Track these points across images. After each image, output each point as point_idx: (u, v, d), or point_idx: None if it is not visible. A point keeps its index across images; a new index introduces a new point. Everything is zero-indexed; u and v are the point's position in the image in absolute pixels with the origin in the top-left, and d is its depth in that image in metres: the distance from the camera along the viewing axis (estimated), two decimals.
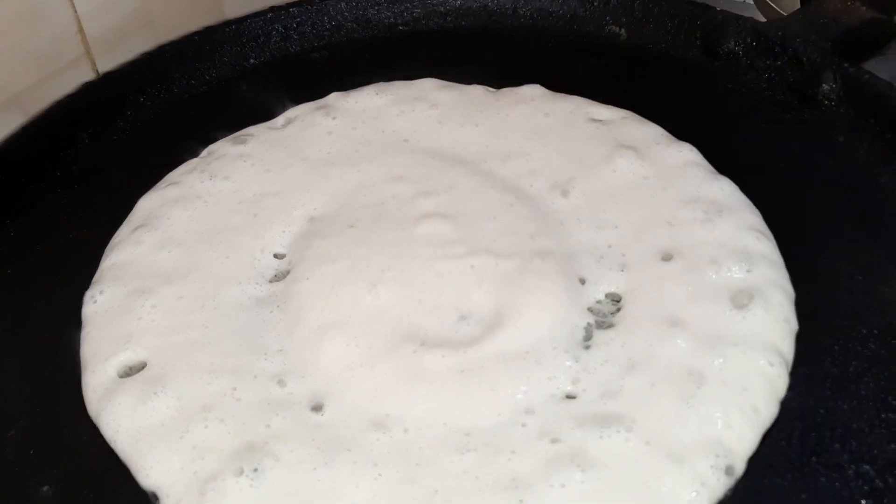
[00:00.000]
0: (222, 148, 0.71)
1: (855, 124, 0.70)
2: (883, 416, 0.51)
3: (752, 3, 0.94)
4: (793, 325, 0.56)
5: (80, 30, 0.80)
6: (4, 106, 0.77)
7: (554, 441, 0.49)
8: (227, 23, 0.83)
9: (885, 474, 0.48)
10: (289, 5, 0.85)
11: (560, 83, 0.76)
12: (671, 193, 0.64)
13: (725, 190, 0.65)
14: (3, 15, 0.75)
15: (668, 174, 0.66)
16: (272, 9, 0.84)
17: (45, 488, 0.51)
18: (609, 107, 0.73)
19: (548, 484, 0.47)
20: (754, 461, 0.49)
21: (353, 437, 0.51)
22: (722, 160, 0.68)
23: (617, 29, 0.84)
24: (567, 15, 0.86)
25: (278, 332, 0.57)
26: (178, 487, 0.49)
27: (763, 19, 0.89)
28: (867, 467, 0.49)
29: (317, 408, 0.53)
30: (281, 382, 0.54)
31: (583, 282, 0.59)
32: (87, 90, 0.76)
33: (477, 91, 0.76)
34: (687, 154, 0.68)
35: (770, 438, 0.51)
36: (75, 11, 0.80)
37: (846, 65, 0.72)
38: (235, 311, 0.59)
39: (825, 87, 0.72)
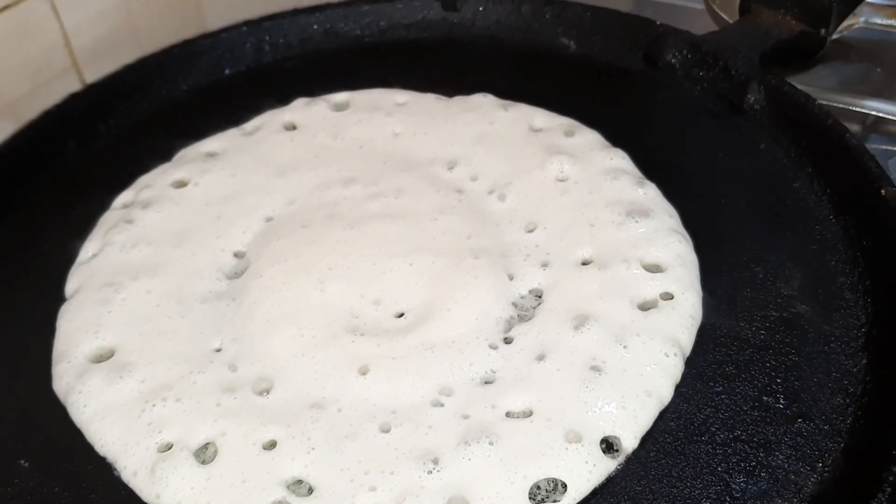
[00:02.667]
0: (193, 153, 0.78)
1: (776, 132, 0.76)
2: (764, 398, 0.57)
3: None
4: (697, 319, 0.62)
5: (68, 43, 0.87)
6: None
7: (466, 418, 0.56)
8: (204, 36, 0.89)
9: (758, 451, 0.54)
10: (262, 19, 0.91)
11: (512, 91, 0.83)
12: (597, 196, 0.70)
13: (649, 194, 0.70)
14: None
15: (597, 179, 0.72)
16: (246, 22, 0.90)
17: (22, 461, 0.58)
18: (552, 114, 0.79)
19: (458, 454, 0.54)
20: (645, 439, 0.55)
21: (293, 415, 0.57)
22: (651, 165, 0.74)
23: (567, 41, 0.90)
24: (522, 27, 0.92)
25: (233, 323, 0.64)
26: (133, 460, 0.56)
27: (714, 27, 0.95)
28: (744, 446, 0.55)
29: (263, 390, 0.59)
30: (232, 367, 0.61)
31: (511, 278, 0.65)
32: (72, 100, 0.83)
33: (430, 99, 0.82)
34: (617, 160, 0.74)
35: (661, 420, 0.56)
36: (62, 26, 0.86)
37: (770, 76, 0.77)
38: (198, 303, 0.65)
39: (751, 97, 0.78)
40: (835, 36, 0.93)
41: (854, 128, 0.84)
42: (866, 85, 0.93)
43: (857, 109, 0.87)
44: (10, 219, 0.75)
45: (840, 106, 0.85)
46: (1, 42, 0.83)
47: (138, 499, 0.55)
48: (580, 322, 0.61)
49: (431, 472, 0.54)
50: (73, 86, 0.87)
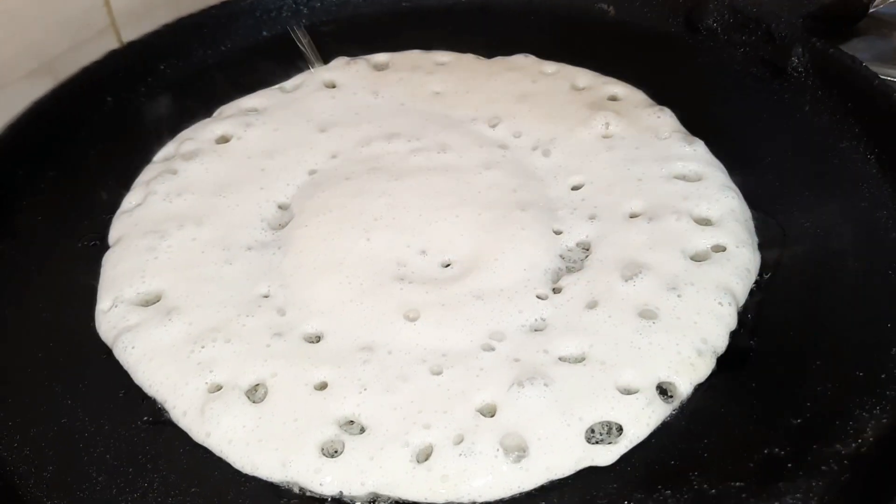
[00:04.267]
0: (234, 108, 0.77)
1: (820, 95, 0.76)
2: (814, 349, 0.57)
3: None
4: (752, 272, 0.61)
5: (107, 3, 0.87)
6: (37, 71, 0.84)
7: (518, 361, 0.55)
8: None
9: (810, 402, 0.54)
10: None
11: (551, 55, 0.82)
12: (643, 152, 0.69)
13: (698, 150, 0.70)
14: None
15: (643, 135, 0.71)
16: None
17: (69, 401, 0.58)
18: (595, 73, 0.79)
19: (512, 396, 0.53)
20: (700, 385, 0.55)
21: (343, 358, 0.57)
22: (697, 124, 0.73)
23: (606, 6, 0.89)
24: None
25: (280, 271, 0.64)
26: (183, 400, 0.55)
27: None
28: (797, 390, 0.54)
29: (312, 334, 0.59)
30: (281, 312, 0.60)
31: (557, 232, 0.65)
32: (111, 58, 0.83)
33: (470, 59, 0.81)
34: (664, 117, 0.73)
35: (716, 369, 0.56)
36: None
37: (814, 39, 0.77)
38: (243, 251, 0.65)
39: (794, 60, 0.78)
40: (871, 10, 0.93)
41: None
42: None
43: (892, 80, 0.86)
44: (51, 172, 0.75)
45: None
46: (40, 1, 0.83)
47: (187, 438, 0.55)
48: (631, 272, 0.60)
49: (485, 413, 0.53)
50: (111, 45, 0.87)
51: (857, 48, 0.93)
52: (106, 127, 0.80)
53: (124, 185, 0.73)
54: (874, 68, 0.86)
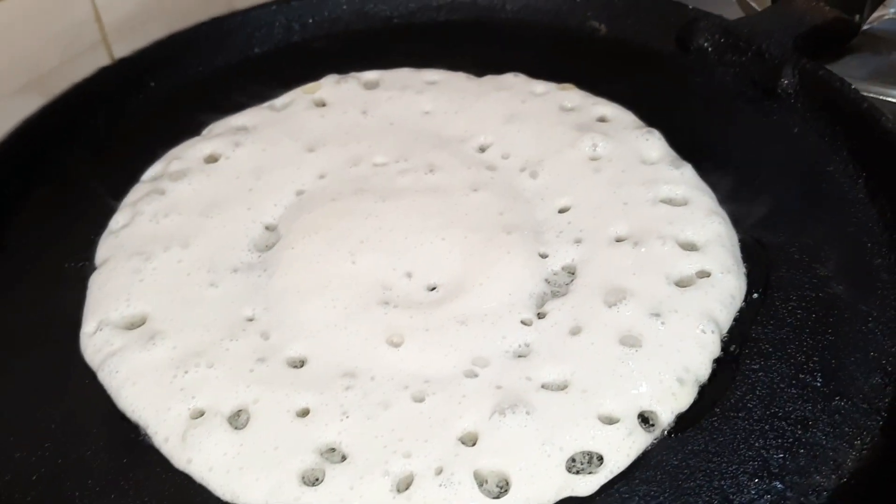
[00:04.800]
0: (223, 127, 0.78)
1: (809, 116, 0.76)
2: (801, 376, 0.57)
3: None
4: (737, 299, 0.61)
5: (98, 18, 0.87)
6: (28, 87, 0.84)
7: (500, 388, 0.55)
8: (234, 14, 0.89)
9: (796, 428, 0.54)
10: None
11: (542, 73, 0.82)
12: (630, 175, 0.69)
13: (685, 174, 0.70)
14: (26, 4, 0.81)
15: (630, 157, 0.71)
16: (276, 1, 0.90)
17: (53, 425, 0.58)
18: (584, 93, 0.79)
19: (493, 424, 0.53)
20: (682, 415, 0.55)
21: (325, 383, 0.57)
22: (684, 147, 0.73)
23: (597, 24, 0.89)
24: (552, 10, 0.91)
25: (265, 293, 0.63)
26: (165, 426, 0.55)
27: (741, 14, 0.94)
28: (782, 423, 0.54)
29: (295, 358, 0.59)
30: (265, 336, 0.60)
31: (543, 256, 0.65)
32: (102, 74, 0.83)
33: (461, 78, 0.82)
34: (652, 139, 0.73)
35: (698, 396, 0.56)
36: (94, 1, 0.86)
37: (804, 61, 0.77)
38: (229, 273, 0.65)
39: (784, 81, 0.78)
40: (865, 27, 0.93)
41: None
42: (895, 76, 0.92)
43: (888, 99, 0.86)
44: (40, 190, 0.75)
45: (870, 96, 0.85)
46: (32, 16, 0.83)
47: (169, 463, 0.55)
48: (615, 297, 0.60)
49: (465, 442, 0.53)
50: (103, 61, 0.87)
51: (851, 66, 0.93)
52: (96, 144, 0.80)
53: (113, 203, 0.73)
54: (868, 87, 0.87)
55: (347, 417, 0.55)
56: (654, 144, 0.72)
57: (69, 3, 0.84)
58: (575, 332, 0.59)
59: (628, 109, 0.77)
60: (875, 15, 0.93)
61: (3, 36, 0.82)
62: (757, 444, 0.53)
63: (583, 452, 0.53)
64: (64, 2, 0.84)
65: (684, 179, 0.69)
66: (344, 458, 0.53)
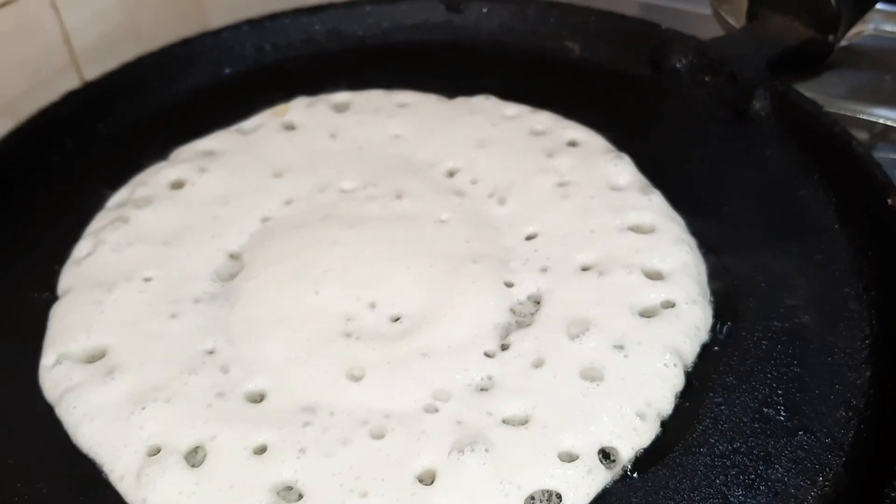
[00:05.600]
0: (190, 151, 0.77)
1: (782, 139, 0.75)
2: (765, 410, 0.56)
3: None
4: (703, 330, 0.61)
5: (67, 41, 0.87)
6: None
7: (461, 424, 0.55)
8: (204, 35, 0.89)
9: (758, 464, 0.53)
10: (263, 18, 0.90)
11: (515, 95, 0.82)
12: (598, 202, 0.69)
13: (654, 201, 0.69)
14: None
15: (599, 184, 0.71)
16: (247, 21, 0.90)
17: (10, 461, 0.57)
18: (556, 116, 0.79)
19: (452, 462, 0.53)
20: (643, 450, 0.54)
21: (284, 419, 0.56)
22: (656, 171, 0.73)
23: (571, 45, 0.89)
24: (526, 31, 0.91)
25: (227, 325, 0.63)
26: (120, 463, 0.55)
27: (720, 31, 0.94)
28: (744, 458, 0.54)
29: (255, 394, 0.58)
30: (224, 369, 0.60)
31: (509, 285, 0.64)
32: (70, 98, 0.82)
33: (432, 101, 0.81)
34: (622, 164, 0.72)
35: (660, 430, 0.55)
36: (62, 24, 0.86)
37: (777, 83, 0.76)
38: (191, 304, 0.64)
39: (757, 103, 0.77)
40: (843, 43, 0.92)
41: (862, 136, 0.83)
42: (875, 93, 0.92)
43: (866, 118, 0.86)
44: (5, 216, 0.75)
45: (848, 114, 0.84)
46: (0, 39, 0.82)
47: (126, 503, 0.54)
48: (579, 329, 0.60)
49: (423, 480, 0.52)
50: (73, 84, 0.86)
51: (829, 82, 0.92)
52: (63, 169, 0.79)
53: (78, 230, 0.72)
54: (847, 104, 0.86)
55: (305, 454, 0.54)
56: (623, 170, 0.72)
57: (38, 26, 0.84)
58: (538, 364, 0.58)
59: (600, 132, 0.77)
60: (854, 31, 0.92)
61: None
62: (718, 481, 0.53)
63: (542, 490, 0.52)
64: (32, 25, 0.83)
65: (652, 206, 0.68)
66: (300, 496, 0.53)
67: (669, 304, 0.61)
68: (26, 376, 0.62)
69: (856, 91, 0.92)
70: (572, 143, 0.75)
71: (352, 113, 0.80)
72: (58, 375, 0.60)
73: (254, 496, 0.52)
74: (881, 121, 0.85)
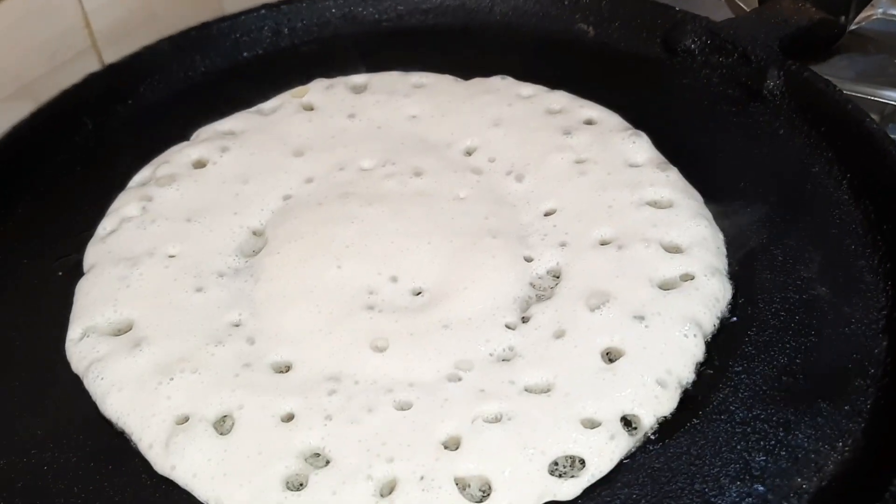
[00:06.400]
0: (211, 131, 0.78)
1: (795, 118, 0.76)
2: (784, 379, 0.57)
3: None
4: (722, 301, 0.61)
5: (88, 24, 0.88)
6: (17, 94, 0.84)
7: (483, 392, 0.55)
8: (222, 19, 0.89)
9: (778, 430, 0.54)
10: (280, 3, 0.91)
11: (529, 77, 0.82)
12: (616, 178, 0.69)
13: (671, 177, 0.70)
14: (15, 10, 0.82)
15: (616, 160, 0.71)
16: (264, 6, 0.90)
17: (39, 432, 0.58)
18: (571, 96, 0.79)
19: (476, 429, 0.54)
20: (664, 418, 0.55)
21: (310, 388, 0.57)
22: (670, 150, 0.73)
23: (585, 27, 0.89)
24: (540, 13, 0.91)
25: (251, 299, 0.64)
26: (149, 432, 0.56)
27: (731, 15, 0.94)
28: (764, 425, 0.54)
29: (280, 363, 0.59)
30: (250, 340, 0.61)
31: (528, 259, 0.65)
32: (91, 80, 0.83)
33: (448, 81, 0.82)
34: (639, 142, 0.73)
35: (680, 398, 0.56)
36: (83, 7, 0.87)
37: (789, 62, 0.77)
38: (215, 278, 0.65)
39: (769, 83, 0.78)
40: (852, 27, 0.93)
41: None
42: (884, 76, 0.92)
43: (876, 99, 0.86)
44: (28, 196, 0.76)
45: (858, 96, 0.85)
46: (21, 22, 0.83)
47: (155, 470, 0.55)
48: (599, 300, 0.60)
49: (448, 446, 0.53)
50: (92, 67, 0.87)
51: (839, 66, 0.93)
52: (85, 150, 0.80)
53: (101, 209, 0.73)
54: (857, 87, 0.87)
55: (331, 421, 0.55)
56: (640, 147, 0.72)
57: (58, 9, 0.85)
58: (559, 335, 0.59)
59: (615, 112, 0.77)
60: (862, 15, 0.93)
61: None
62: (739, 447, 0.53)
63: (565, 456, 0.53)
64: (53, 8, 0.84)
65: (670, 182, 0.69)
66: (328, 462, 0.54)
67: (688, 277, 0.62)
68: (53, 350, 0.63)
69: (865, 74, 0.93)
70: (588, 122, 0.76)
71: (369, 94, 0.81)
72: (85, 348, 0.61)
73: (282, 462, 0.53)
74: (891, 102, 0.86)
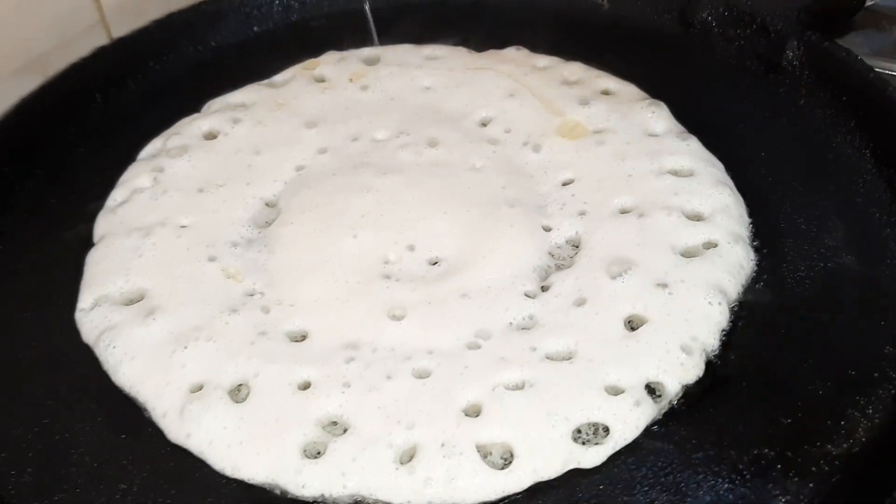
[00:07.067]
0: (222, 103, 0.77)
1: (814, 89, 0.74)
2: (809, 346, 0.56)
3: None
4: (746, 268, 0.60)
5: None
6: (26, 67, 0.83)
7: (504, 360, 0.54)
8: None
9: (804, 397, 0.53)
10: None
11: (544, 50, 0.81)
12: (635, 147, 0.68)
13: (692, 146, 0.69)
14: None
15: (635, 130, 0.70)
16: None
17: (50, 402, 0.57)
18: (587, 67, 0.78)
19: (497, 395, 0.52)
20: (689, 385, 0.54)
21: (327, 356, 0.56)
22: (690, 119, 0.72)
23: (600, 0, 0.88)
24: None
25: (266, 268, 0.63)
26: (163, 401, 0.55)
27: None
28: (789, 391, 0.53)
29: (296, 332, 0.58)
30: (265, 309, 0.60)
31: (547, 229, 0.64)
32: (100, 54, 0.82)
33: (462, 53, 0.81)
34: (658, 111, 0.72)
35: (707, 367, 0.55)
36: None
37: (809, 33, 0.76)
38: (229, 248, 0.64)
39: (789, 53, 0.76)
40: (869, 3, 0.91)
41: None
42: None
43: (892, 74, 0.85)
44: (38, 169, 0.75)
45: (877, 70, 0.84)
46: None
47: (168, 439, 0.54)
48: (620, 268, 0.59)
49: (469, 413, 0.52)
50: (101, 41, 0.86)
51: (854, 42, 0.91)
52: (94, 123, 0.79)
53: (111, 181, 0.72)
54: (872, 63, 0.85)
55: (349, 389, 0.54)
56: (659, 116, 0.71)
57: None
58: (580, 303, 0.58)
59: (632, 83, 0.76)
60: None
61: (2, 17, 0.81)
62: (765, 413, 0.52)
63: (589, 423, 0.52)
64: None
65: (690, 151, 0.68)
66: (346, 430, 0.53)
67: (711, 245, 0.61)
68: (63, 320, 0.62)
69: (879, 51, 0.91)
70: (606, 92, 0.75)
71: (382, 66, 0.80)
72: (96, 317, 0.60)
73: (299, 429, 0.52)
74: None
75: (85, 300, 0.62)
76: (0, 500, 0.52)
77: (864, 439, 0.51)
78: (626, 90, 0.74)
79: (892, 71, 0.85)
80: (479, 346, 0.56)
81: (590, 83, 0.75)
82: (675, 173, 0.66)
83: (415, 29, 0.86)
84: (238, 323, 0.58)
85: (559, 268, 0.62)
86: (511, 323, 0.57)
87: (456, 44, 0.83)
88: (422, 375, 0.54)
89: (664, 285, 0.58)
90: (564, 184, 0.67)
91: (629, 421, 0.52)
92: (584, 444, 0.51)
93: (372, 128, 0.73)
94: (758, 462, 0.50)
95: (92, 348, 0.59)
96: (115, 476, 0.53)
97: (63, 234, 0.69)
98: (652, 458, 0.51)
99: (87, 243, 0.67)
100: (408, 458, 0.51)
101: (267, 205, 0.68)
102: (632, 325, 0.57)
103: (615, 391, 0.53)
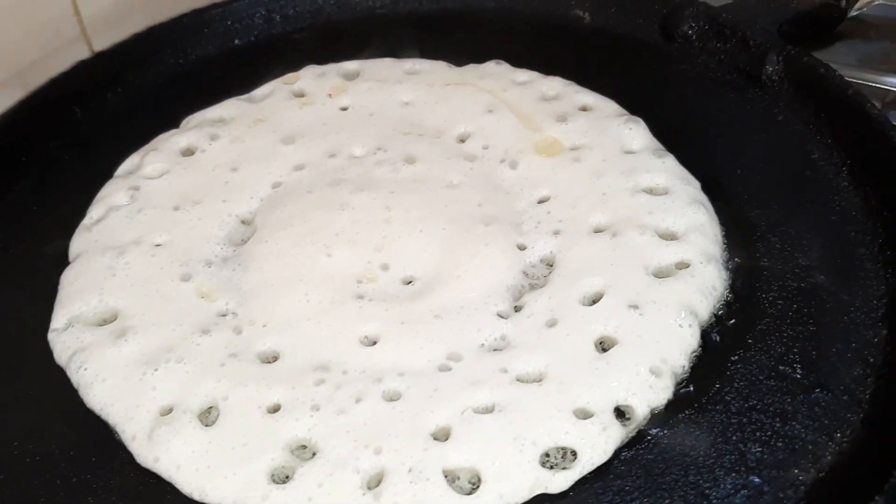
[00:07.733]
0: (200, 119, 0.77)
1: (794, 103, 0.74)
2: (781, 368, 0.56)
3: None
4: (718, 289, 0.60)
5: (77, 12, 0.86)
6: (7, 81, 0.83)
7: (475, 383, 0.54)
8: (214, 6, 0.88)
9: (775, 421, 0.53)
10: None
11: (525, 63, 0.81)
12: (611, 165, 0.68)
13: (667, 163, 0.69)
14: None
15: (611, 147, 0.70)
16: None
17: (22, 423, 0.57)
18: (566, 82, 0.78)
19: (466, 419, 0.52)
20: (658, 408, 0.54)
21: (297, 378, 0.56)
22: (668, 136, 0.72)
23: (581, 13, 0.88)
24: None
25: (239, 288, 0.63)
26: (132, 423, 0.54)
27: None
28: (760, 415, 0.53)
29: (267, 352, 0.58)
30: (237, 330, 0.59)
31: (521, 247, 0.64)
32: (80, 68, 0.82)
33: (441, 67, 0.80)
34: (636, 128, 0.72)
35: (675, 388, 0.55)
36: None
37: (788, 47, 0.76)
38: (202, 267, 0.64)
39: (769, 67, 0.76)
40: (853, 13, 0.91)
41: None
42: (886, 63, 0.91)
43: (877, 86, 0.85)
44: (17, 184, 0.75)
45: (859, 82, 0.83)
46: (10, 10, 0.82)
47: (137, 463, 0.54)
48: (593, 289, 0.59)
49: (438, 437, 0.52)
50: (82, 55, 0.86)
51: (840, 52, 0.92)
52: (74, 138, 0.79)
53: (91, 195, 0.72)
54: (858, 74, 0.85)
55: (318, 412, 0.54)
56: (637, 133, 0.71)
57: None
58: (551, 324, 0.58)
59: (612, 98, 0.76)
60: (864, 1, 0.92)
61: None
62: (734, 438, 0.52)
63: (557, 448, 0.52)
64: None
65: (666, 169, 0.68)
66: (314, 454, 0.52)
67: (684, 265, 0.61)
68: (37, 340, 0.62)
69: (866, 61, 0.91)
70: (584, 108, 0.74)
71: (361, 80, 0.80)
72: (68, 338, 0.60)
73: (268, 454, 0.52)
74: (892, 88, 0.85)
75: (58, 320, 0.62)
76: None
77: (832, 465, 0.51)
78: (605, 106, 0.74)
79: (877, 83, 0.85)
80: (450, 369, 0.56)
81: (568, 98, 0.75)
82: (650, 191, 0.66)
83: (397, 41, 0.86)
84: (209, 344, 0.58)
85: (533, 287, 0.62)
86: (483, 344, 0.57)
87: (439, 56, 0.83)
88: (392, 398, 0.54)
89: (635, 306, 0.58)
90: (540, 201, 0.67)
91: (597, 445, 0.52)
92: (551, 468, 0.51)
93: (350, 144, 0.73)
94: (725, 487, 0.50)
95: (64, 369, 0.59)
96: (84, 499, 0.53)
97: (42, 249, 0.68)
98: (619, 483, 0.51)
99: (65, 259, 0.67)
100: (375, 483, 0.51)
101: (243, 222, 0.68)
102: (603, 346, 0.57)
103: (584, 414, 0.53)
